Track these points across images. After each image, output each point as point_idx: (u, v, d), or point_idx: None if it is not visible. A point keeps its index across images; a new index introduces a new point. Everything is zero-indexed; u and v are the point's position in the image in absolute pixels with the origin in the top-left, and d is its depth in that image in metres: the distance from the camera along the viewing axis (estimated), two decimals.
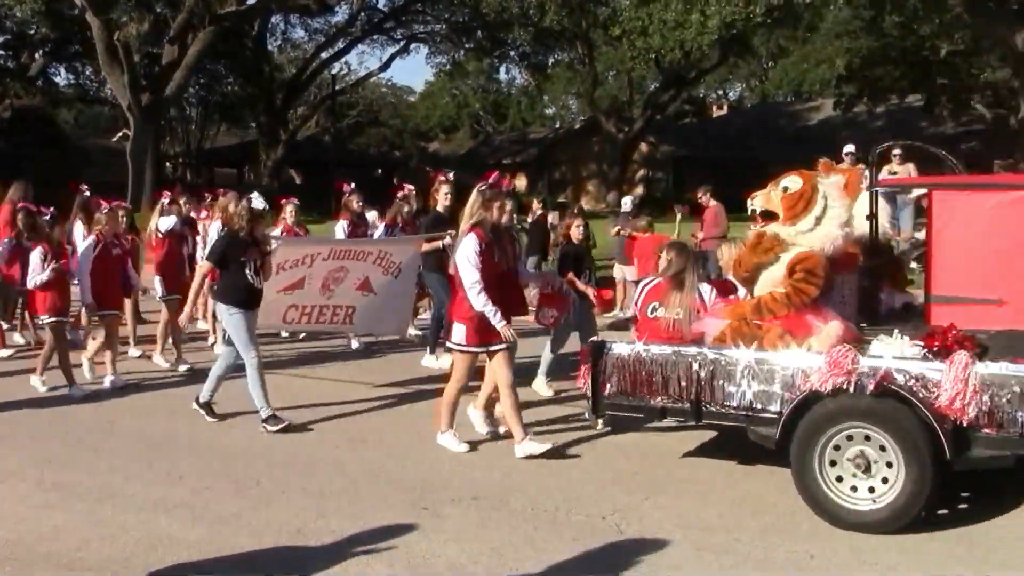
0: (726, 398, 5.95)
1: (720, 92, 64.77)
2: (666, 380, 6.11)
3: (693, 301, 6.75)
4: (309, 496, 6.25)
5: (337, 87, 45.92)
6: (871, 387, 5.51)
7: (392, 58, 42.29)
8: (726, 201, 15.05)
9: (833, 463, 5.65)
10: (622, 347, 6.31)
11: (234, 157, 50.68)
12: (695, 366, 6.03)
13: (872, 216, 6.62)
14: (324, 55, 42.99)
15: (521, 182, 21.30)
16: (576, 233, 9.39)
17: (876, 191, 6.65)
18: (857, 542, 5.42)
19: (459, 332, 7.09)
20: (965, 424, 5.34)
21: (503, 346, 7.04)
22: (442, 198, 9.96)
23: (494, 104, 65.65)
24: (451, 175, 10.32)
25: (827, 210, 6.32)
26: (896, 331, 6.04)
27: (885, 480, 5.51)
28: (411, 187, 11.90)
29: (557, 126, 61.25)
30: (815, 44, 35.70)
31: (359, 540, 5.46)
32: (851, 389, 5.55)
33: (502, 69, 49.04)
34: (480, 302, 6.89)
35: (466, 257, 6.93)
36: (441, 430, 7.28)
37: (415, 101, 69.76)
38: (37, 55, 40.43)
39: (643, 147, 44.27)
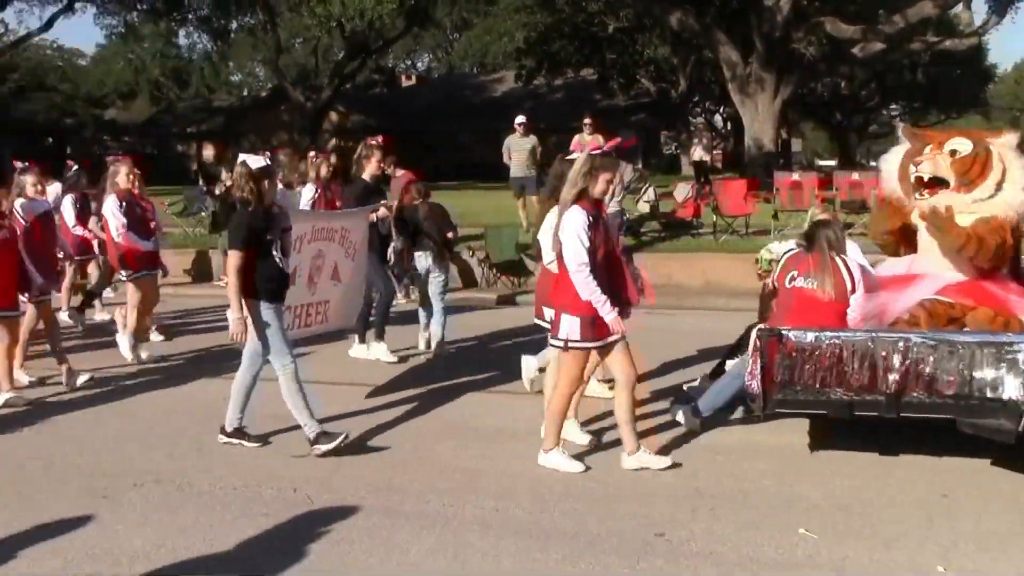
0: (940, 387, 5.32)
1: (409, 62, 65.33)
2: (859, 369, 5.41)
3: (836, 270, 6.11)
4: None
5: None
6: None
7: (54, 17, 38.96)
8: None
9: None
10: (800, 334, 5.52)
11: None
12: (899, 352, 5.34)
13: None
14: None
15: (209, 151, 20.46)
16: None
17: None
18: (541, 493, 5.71)
19: (570, 325, 5.95)
20: None
21: (618, 337, 5.99)
22: (373, 166, 8.92)
23: (175, 70, 62.52)
24: (380, 139, 9.16)
25: (1007, 173, 5.86)
26: None
27: None
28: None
29: (245, 94, 59.35)
30: (496, 17, 36.72)
31: (30, 534, 5.10)
32: None
33: (181, 33, 46.79)
34: (587, 288, 5.81)
35: (575, 233, 5.80)
36: (545, 448, 6.16)
37: (87, 65, 65.04)
38: None
39: (333, 116, 43.91)
